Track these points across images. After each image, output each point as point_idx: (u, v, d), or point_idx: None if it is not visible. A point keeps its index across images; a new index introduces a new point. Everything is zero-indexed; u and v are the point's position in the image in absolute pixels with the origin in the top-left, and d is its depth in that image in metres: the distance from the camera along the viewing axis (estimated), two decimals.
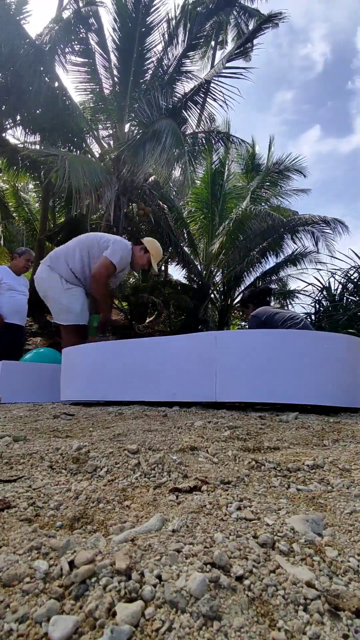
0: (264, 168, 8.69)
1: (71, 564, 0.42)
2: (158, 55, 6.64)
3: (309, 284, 5.66)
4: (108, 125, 7.05)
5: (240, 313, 3.26)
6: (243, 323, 11.62)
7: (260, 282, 8.99)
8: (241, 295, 3.18)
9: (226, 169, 9.16)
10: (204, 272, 9.02)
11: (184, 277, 9.67)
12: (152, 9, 6.13)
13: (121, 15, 6.09)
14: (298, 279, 8.76)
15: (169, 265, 10.17)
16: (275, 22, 6.44)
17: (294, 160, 8.53)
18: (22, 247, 4.04)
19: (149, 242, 3.03)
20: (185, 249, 8.80)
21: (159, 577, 0.40)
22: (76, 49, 6.18)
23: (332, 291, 5.20)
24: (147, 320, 9.37)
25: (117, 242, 2.81)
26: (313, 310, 5.24)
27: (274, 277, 9.16)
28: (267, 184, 8.76)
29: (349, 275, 5.06)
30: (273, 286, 9.37)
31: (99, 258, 2.72)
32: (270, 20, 6.36)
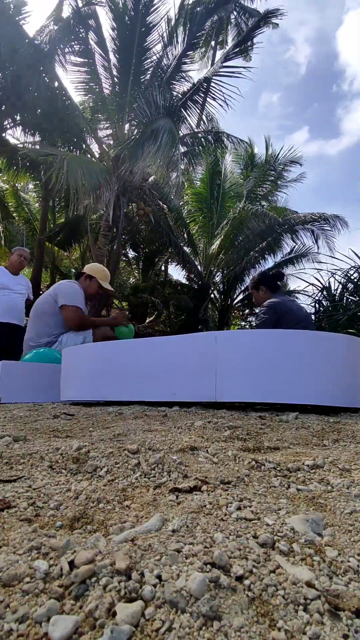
0: (260, 164, 8.70)
1: (71, 564, 0.42)
2: (158, 54, 6.65)
3: (309, 283, 5.65)
4: (108, 125, 7.05)
5: (251, 294, 3.15)
6: (243, 323, 11.62)
7: None
8: (250, 281, 3.11)
9: (223, 168, 9.17)
10: (204, 272, 9.02)
11: (184, 277, 9.68)
12: (152, 9, 6.13)
13: (120, 15, 6.09)
14: (298, 278, 8.76)
15: (169, 265, 10.17)
16: (272, 19, 6.45)
17: (288, 152, 8.55)
18: (17, 246, 4.08)
19: (89, 267, 3.08)
20: (185, 249, 8.80)
21: (159, 577, 0.40)
22: (76, 49, 6.17)
23: (332, 291, 5.19)
24: (147, 320, 9.38)
25: (62, 286, 2.86)
26: (313, 310, 5.24)
27: None
28: (267, 183, 8.77)
29: (349, 275, 5.06)
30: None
31: (55, 312, 2.78)
32: (266, 17, 6.37)
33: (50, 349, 2.91)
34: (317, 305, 5.27)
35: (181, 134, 6.96)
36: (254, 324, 2.65)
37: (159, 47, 6.58)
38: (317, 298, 5.31)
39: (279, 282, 2.90)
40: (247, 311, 10.79)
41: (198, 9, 6.46)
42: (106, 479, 0.73)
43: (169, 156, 5.03)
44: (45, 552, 0.45)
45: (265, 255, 8.68)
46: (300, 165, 8.73)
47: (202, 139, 7.07)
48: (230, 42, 11.39)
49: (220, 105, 6.76)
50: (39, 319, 2.86)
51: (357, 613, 0.37)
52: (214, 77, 6.44)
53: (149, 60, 6.60)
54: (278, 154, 8.48)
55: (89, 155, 6.92)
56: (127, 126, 6.80)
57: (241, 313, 11.13)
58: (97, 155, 7.06)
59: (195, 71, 10.58)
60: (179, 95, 6.66)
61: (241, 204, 7.68)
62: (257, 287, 2.90)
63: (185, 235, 8.97)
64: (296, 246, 8.41)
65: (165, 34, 6.46)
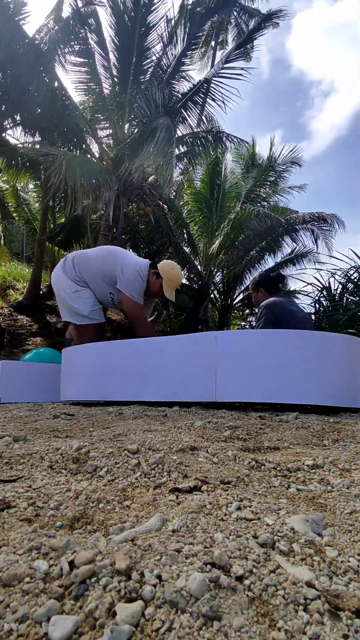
0: (260, 165, 8.71)
1: (71, 564, 0.42)
2: (158, 55, 6.65)
3: (309, 283, 5.65)
4: (107, 125, 7.06)
5: (250, 295, 3.12)
6: (243, 323, 11.62)
7: None
8: (250, 282, 3.08)
9: (223, 168, 9.17)
10: (204, 272, 9.02)
11: (184, 277, 9.68)
12: (152, 9, 6.14)
13: (120, 15, 6.09)
14: (298, 279, 8.76)
15: None
16: (275, 20, 6.45)
17: (289, 152, 8.55)
18: None
19: (163, 266, 2.73)
20: (185, 248, 8.80)
21: (159, 577, 0.40)
22: (75, 49, 6.17)
23: (332, 291, 5.20)
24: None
25: (127, 269, 2.63)
26: (313, 310, 5.24)
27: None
28: (267, 183, 8.77)
29: (349, 275, 5.06)
30: None
31: (110, 276, 2.68)
32: (269, 17, 6.37)
33: (50, 348, 2.91)
34: (317, 305, 5.27)
35: (181, 134, 6.96)
36: (254, 327, 2.62)
37: (158, 47, 6.58)
38: (317, 298, 5.31)
39: (279, 285, 2.89)
40: (247, 311, 10.80)
41: (198, 9, 6.46)
42: (106, 479, 0.73)
43: (165, 151, 5.01)
44: (45, 552, 0.45)
45: (266, 256, 8.69)
46: (300, 166, 8.74)
47: (202, 139, 7.08)
48: (230, 42, 11.40)
49: (219, 105, 6.76)
50: (99, 263, 2.70)
51: (357, 613, 0.37)
52: (214, 79, 6.45)
53: (149, 60, 6.61)
54: (279, 155, 8.49)
55: (88, 155, 6.92)
56: (127, 126, 6.80)
57: (241, 313, 11.12)
58: (97, 155, 7.06)
59: (196, 71, 10.58)
60: (179, 95, 6.66)
61: (241, 204, 7.69)
62: (256, 289, 2.90)
63: (185, 235, 8.96)
64: (297, 247, 8.42)
65: (165, 34, 6.46)
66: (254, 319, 10.81)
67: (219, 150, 7.97)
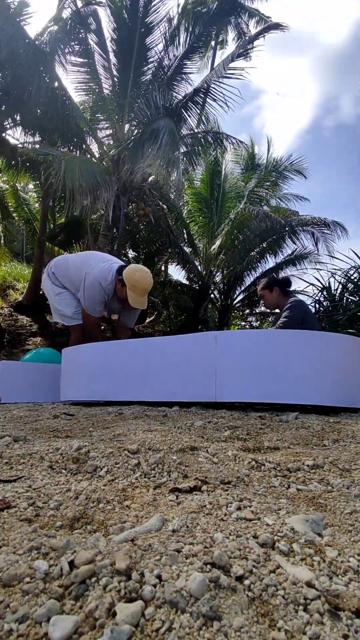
0: (263, 168, 8.71)
1: (71, 564, 0.42)
2: (158, 55, 6.64)
3: (309, 284, 5.66)
4: (108, 125, 7.06)
5: (261, 296, 3.13)
6: (243, 323, 11.62)
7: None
8: (260, 283, 3.11)
9: (223, 168, 9.17)
10: (204, 272, 9.02)
11: (184, 277, 9.67)
12: (152, 9, 6.13)
13: (120, 15, 6.09)
14: (298, 278, 8.76)
15: (169, 265, 10.18)
16: (277, 30, 6.46)
17: (293, 161, 8.54)
18: None
19: (127, 271, 2.52)
20: (185, 249, 8.80)
21: (159, 577, 0.40)
22: (76, 49, 6.17)
23: (332, 291, 5.20)
24: (147, 320, 9.37)
25: (88, 277, 2.60)
26: (313, 311, 5.24)
27: None
28: (267, 183, 8.77)
29: (349, 275, 5.07)
30: None
31: (78, 286, 2.71)
32: (271, 28, 6.39)
33: (50, 348, 2.92)
34: (317, 305, 5.27)
35: (181, 134, 6.95)
36: (279, 323, 2.61)
37: (159, 47, 6.57)
38: (317, 298, 5.32)
39: (287, 288, 2.95)
40: (247, 311, 10.80)
41: (204, 10, 6.45)
42: (106, 479, 0.73)
43: (170, 157, 5.02)
44: (45, 552, 0.45)
45: (266, 256, 8.69)
46: (305, 177, 8.70)
47: (202, 139, 7.08)
48: (230, 42, 11.39)
49: (220, 106, 6.75)
50: (68, 277, 2.77)
51: (357, 613, 0.37)
52: (214, 80, 6.44)
53: (150, 60, 6.60)
54: (283, 162, 8.48)
55: (88, 156, 6.92)
56: (127, 126, 6.80)
57: (241, 313, 11.13)
58: (97, 156, 7.06)
59: (195, 71, 10.56)
60: (179, 96, 6.66)
61: (242, 205, 7.69)
62: (270, 288, 2.93)
63: (185, 235, 8.96)
64: (297, 248, 8.42)
65: (166, 35, 6.45)
66: (254, 318, 10.81)
67: (218, 150, 7.97)
